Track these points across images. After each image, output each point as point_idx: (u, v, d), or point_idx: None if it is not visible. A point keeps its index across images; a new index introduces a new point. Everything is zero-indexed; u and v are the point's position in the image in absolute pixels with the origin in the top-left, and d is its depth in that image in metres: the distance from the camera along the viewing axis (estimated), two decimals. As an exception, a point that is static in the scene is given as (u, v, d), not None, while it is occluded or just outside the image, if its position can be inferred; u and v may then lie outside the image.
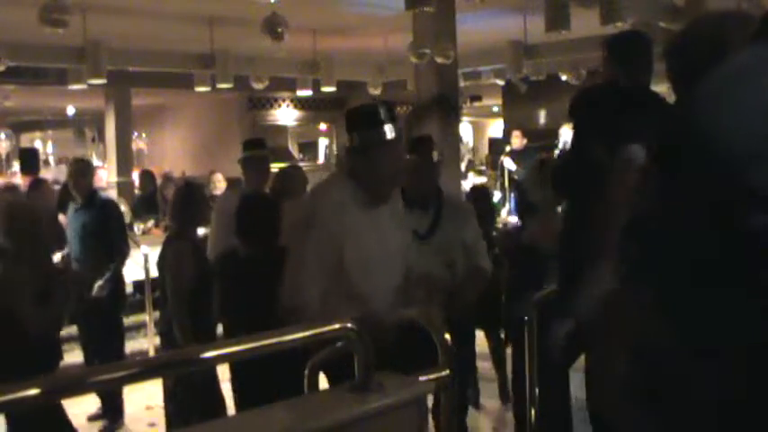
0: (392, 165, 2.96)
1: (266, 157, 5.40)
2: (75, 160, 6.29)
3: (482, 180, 11.82)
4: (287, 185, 5.11)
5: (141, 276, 6.54)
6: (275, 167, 5.77)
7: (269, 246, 3.78)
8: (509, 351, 5.15)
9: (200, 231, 5.35)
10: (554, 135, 10.30)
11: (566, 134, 9.47)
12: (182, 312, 4.13)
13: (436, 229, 3.81)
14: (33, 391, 1.46)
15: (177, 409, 4.31)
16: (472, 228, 3.92)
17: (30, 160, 12.18)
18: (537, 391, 3.74)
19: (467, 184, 9.54)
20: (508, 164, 10.45)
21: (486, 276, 3.88)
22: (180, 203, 4.47)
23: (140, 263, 6.80)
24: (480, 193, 6.26)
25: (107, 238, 5.41)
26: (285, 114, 14.21)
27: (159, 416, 4.83)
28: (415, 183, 3.85)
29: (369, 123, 2.93)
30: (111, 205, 5.82)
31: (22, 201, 4.15)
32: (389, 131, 2.91)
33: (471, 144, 18.99)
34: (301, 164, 12.88)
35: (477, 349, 5.17)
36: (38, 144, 17.87)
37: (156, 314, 5.77)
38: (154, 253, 4.71)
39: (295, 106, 14.19)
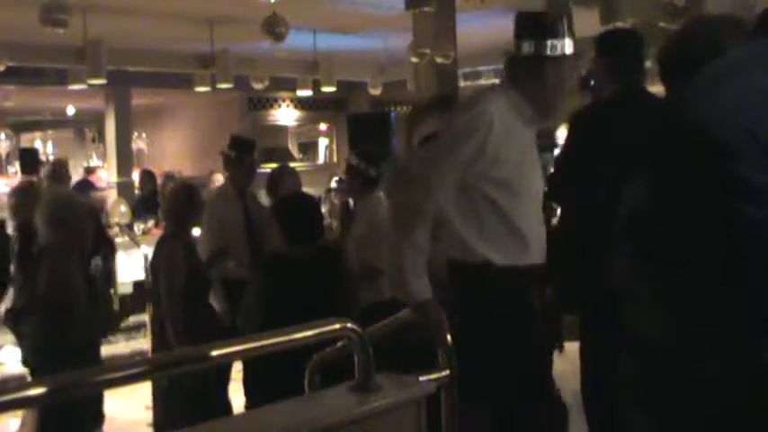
0: (568, 80, 2.74)
1: (253, 163, 5.41)
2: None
3: None
4: (279, 186, 5.15)
5: (141, 277, 6.54)
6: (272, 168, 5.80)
7: (314, 245, 3.80)
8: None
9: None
10: (553, 135, 10.28)
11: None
12: (175, 312, 4.13)
13: None
14: (34, 391, 1.46)
15: (168, 412, 4.32)
16: None
17: (30, 160, 12.18)
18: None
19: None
20: None
21: None
22: (175, 204, 4.48)
23: (140, 263, 6.80)
24: None
25: None
26: (285, 114, 14.20)
27: (159, 416, 4.83)
28: None
29: (552, 33, 2.66)
30: None
31: (66, 194, 4.12)
32: (570, 46, 2.68)
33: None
34: (301, 164, 12.92)
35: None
36: (38, 144, 17.83)
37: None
38: (154, 253, 4.73)
39: (295, 106, 14.19)
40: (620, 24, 6.40)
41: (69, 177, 6.25)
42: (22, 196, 5.36)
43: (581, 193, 3.29)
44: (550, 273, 2.91)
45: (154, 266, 4.44)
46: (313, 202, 4.12)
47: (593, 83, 4.05)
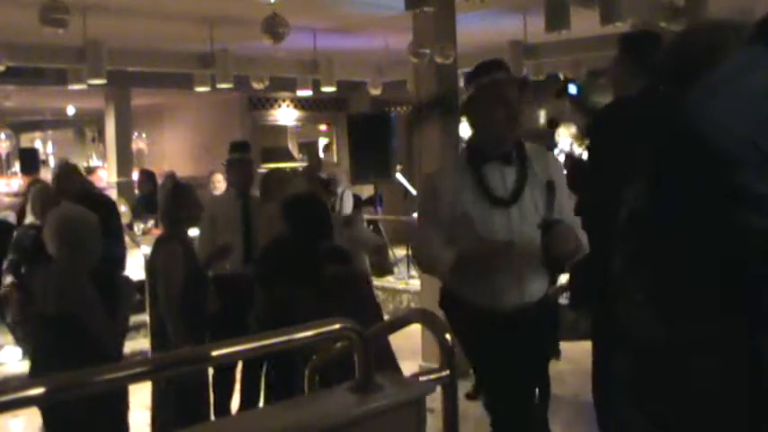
0: None
1: (250, 161, 5.54)
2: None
3: None
4: (269, 188, 5.22)
5: (141, 277, 6.55)
6: (272, 167, 5.87)
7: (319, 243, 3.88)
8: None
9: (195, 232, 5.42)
10: (553, 136, 10.29)
11: (564, 136, 9.46)
12: (174, 314, 4.14)
13: (522, 188, 3.22)
14: (35, 391, 1.46)
15: (166, 412, 4.33)
16: (562, 184, 3.32)
17: (30, 160, 12.21)
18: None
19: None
20: None
21: (582, 247, 3.19)
22: (166, 205, 4.49)
23: (140, 263, 6.81)
24: None
25: None
26: (285, 114, 14.20)
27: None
28: (496, 132, 3.22)
29: None
30: None
31: (75, 211, 4.10)
32: None
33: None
34: (301, 164, 12.91)
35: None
36: (38, 144, 17.86)
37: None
38: (154, 253, 4.74)
39: (295, 106, 14.19)
40: (619, 24, 6.40)
41: (81, 181, 6.07)
42: (43, 198, 5.36)
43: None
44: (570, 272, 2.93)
45: (151, 267, 4.45)
46: (319, 203, 4.19)
47: (575, 90, 4.08)
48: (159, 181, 10.10)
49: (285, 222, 4.09)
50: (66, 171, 5.80)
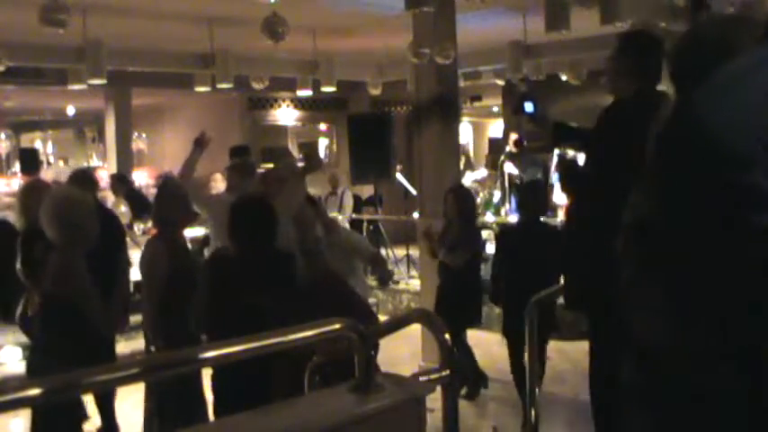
0: None
1: (250, 165, 5.61)
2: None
3: (482, 174, 11.85)
4: (268, 188, 5.24)
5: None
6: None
7: (260, 248, 3.78)
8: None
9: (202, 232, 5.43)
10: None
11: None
12: (153, 313, 4.15)
13: None
14: (34, 391, 1.46)
15: (160, 412, 4.34)
16: None
17: (30, 160, 12.20)
18: (537, 391, 3.75)
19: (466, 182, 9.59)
20: (509, 168, 10.45)
21: None
22: (155, 205, 4.54)
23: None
24: (461, 192, 6.12)
25: None
26: (285, 114, 14.20)
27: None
28: None
29: None
30: None
31: (72, 192, 4.10)
32: None
33: (471, 146, 19.02)
34: (301, 164, 12.90)
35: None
36: (38, 144, 17.84)
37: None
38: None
39: (295, 106, 14.19)
40: (619, 24, 6.39)
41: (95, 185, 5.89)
42: (29, 196, 5.31)
43: (604, 192, 3.25)
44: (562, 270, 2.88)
45: (140, 267, 4.48)
46: (261, 206, 4.02)
47: (531, 108, 4.07)
48: (136, 182, 10.09)
49: (228, 226, 3.97)
50: (79, 180, 5.60)
